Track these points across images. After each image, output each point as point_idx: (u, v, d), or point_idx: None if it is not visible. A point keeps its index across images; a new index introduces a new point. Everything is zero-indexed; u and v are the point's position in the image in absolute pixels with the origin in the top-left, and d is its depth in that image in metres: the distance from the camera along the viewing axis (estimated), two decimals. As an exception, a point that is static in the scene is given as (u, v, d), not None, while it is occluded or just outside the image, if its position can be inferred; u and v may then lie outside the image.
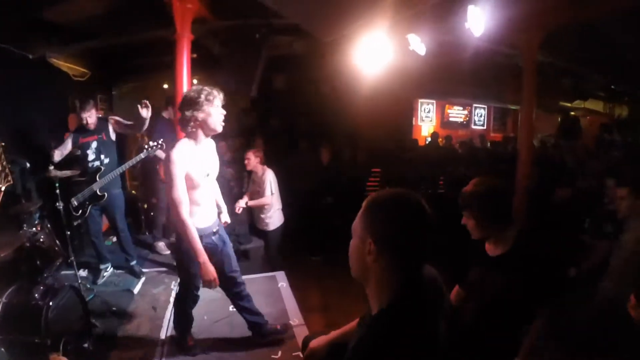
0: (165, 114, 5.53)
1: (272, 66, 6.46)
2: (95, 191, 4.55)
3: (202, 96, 2.84)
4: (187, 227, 2.85)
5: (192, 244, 2.87)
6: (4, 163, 2.08)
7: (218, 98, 2.92)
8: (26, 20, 4.88)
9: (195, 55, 6.20)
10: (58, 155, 4.63)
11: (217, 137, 3.15)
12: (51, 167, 4.23)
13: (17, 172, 4.55)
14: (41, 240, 3.75)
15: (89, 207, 4.62)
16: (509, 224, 2.20)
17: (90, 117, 4.58)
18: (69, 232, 4.22)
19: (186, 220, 2.85)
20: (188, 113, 2.87)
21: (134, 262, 5.04)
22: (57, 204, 4.21)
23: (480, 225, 2.20)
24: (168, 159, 2.84)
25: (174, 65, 4.50)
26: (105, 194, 4.63)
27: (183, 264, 3.19)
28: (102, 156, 4.67)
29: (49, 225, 4.01)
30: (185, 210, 2.86)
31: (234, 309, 3.75)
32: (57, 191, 4.20)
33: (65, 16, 5.08)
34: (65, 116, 6.17)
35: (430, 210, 1.30)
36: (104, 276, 4.89)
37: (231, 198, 5.20)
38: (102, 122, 4.72)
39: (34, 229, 3.77)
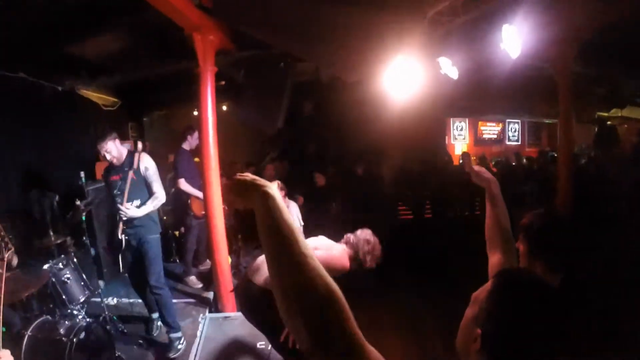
0: (185, 145, 5.52)
1: (298, 92, 6.43)
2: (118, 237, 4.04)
3: None
4: None
5: None
6: (2, 233, 2.07)
7: None
8: (54, 55, 5.00)
9: (222, 83, 6.24)
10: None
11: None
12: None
13: (46, 204, 4.61)
14: (67, 275, 3.75)
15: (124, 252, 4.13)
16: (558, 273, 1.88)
17: (109, 151, 3.91)
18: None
19: None
20: None
21: (175, 335, 4.18)
22: (84, 238, 4.21)
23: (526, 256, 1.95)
24: None
25: (198, 96, 4.48)
26: (132, 239, 4.05)
27: None
28: (127, 197, 3.95)
29: (74, 260, 4.01)
30: None
31: (262, 346, 3.63)
32: (84, 226, 4.20)
33: (91, 51, 5.21)
34: (95, 146, 6.27)
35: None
36: (158, 327, 4.50)
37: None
38: (130, 157, 4.02)
39: (60, 264, 3.77)
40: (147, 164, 4.03)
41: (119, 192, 3.94)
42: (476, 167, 2.04)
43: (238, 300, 3.19)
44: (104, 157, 4.00)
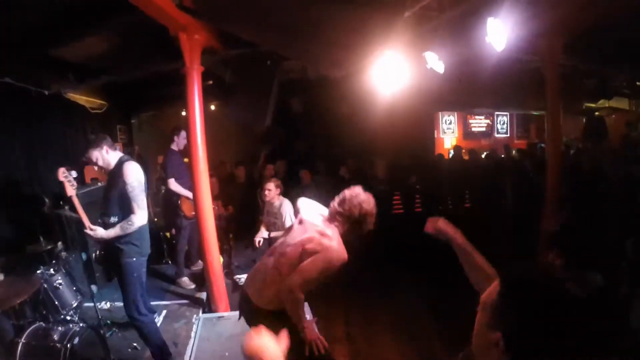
0: (173, 146, 5.50)
1: (287, 90, 6.42)
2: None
3: None
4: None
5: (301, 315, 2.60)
6: None
7: None
8: (39, 58, 4.95)
9: (210, 82, 6.22)
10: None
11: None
12: (67, 207, 4.16)
13: (35, 209, 4.58)
14: (59, 281, 3.72)
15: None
16: None
17: (95, 161, 3.56)
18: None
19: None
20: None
21: None
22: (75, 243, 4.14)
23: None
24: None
25: (185, 96, 4.45)
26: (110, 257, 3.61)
27: None
28: (106, 211, 3.54)
29: (66, 265, 3.98)
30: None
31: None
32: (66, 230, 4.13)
33: (76, 54, 5.17)
34: (83, 149, 6.23)
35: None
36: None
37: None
38: (118, 167, 3.55)
39: (52, 270, 3.75)
40: (128, 178, 3.44)
41: (103, 202, 3.60)
42: (436, 225, 1.97)
43: (244, 317, 3.02)
44: (95, 168, 3.79)
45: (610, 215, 4.95)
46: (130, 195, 3.42)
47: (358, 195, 2.77)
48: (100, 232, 3.44)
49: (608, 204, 5.27)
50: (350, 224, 2.73)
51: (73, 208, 3.58)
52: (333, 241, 2.64)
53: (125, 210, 3.47)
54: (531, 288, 1.10)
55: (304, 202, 3.06)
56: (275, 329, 2.65)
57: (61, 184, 3.47)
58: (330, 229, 2.72)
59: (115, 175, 3.52)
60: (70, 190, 3.48)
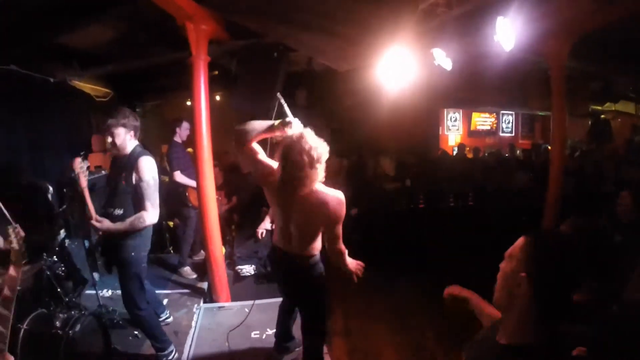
0: (176, 138, 5.51)
1: (292, 82, 6.40)
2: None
3: None
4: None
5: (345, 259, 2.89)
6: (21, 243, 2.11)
7: None
8: (45, 46, 4.94)
9: (216, 72, 6.21)
10: None
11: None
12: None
13: (39, 197, 4.58)
14: (62, 268, 3.74)
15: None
16: None
17: (115, 135, 3.37)
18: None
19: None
20: None
21: (164, 353, 3.66)
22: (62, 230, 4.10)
23: None
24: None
25: (191, 86, 4.45)
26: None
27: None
28: (112, 202, 3.45)
29: (69, 252, 3.99)
30: None
31: (256, 335, 3.68)
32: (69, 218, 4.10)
33: (82, 42, 5.15)
34: (88, 137, 6.23)
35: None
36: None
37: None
38: (132, 157, 3.41)
39: (54, 257, 3.76)
40: (144, 175, 3.32)
41: (109, 194, 3.51)
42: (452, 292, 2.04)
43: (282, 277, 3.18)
44: (107, 139, 3.43)
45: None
46: (144, 193, 3.31)
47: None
48: (106, 224, 3.35)
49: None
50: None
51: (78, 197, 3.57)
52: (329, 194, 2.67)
53: (136, 205, 3.36)
54: (550, 241, 1.39)
55: None
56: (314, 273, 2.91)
57: (76, 174, 3.41)
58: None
59: (125, 165, 3.39)
60: (84, 181, 3.43)
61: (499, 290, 1.43)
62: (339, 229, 2.74)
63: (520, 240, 1.41)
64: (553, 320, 1.34)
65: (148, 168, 3.35)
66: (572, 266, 1.32)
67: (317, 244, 2.89)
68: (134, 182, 3.33)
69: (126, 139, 3.41)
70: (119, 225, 3.34)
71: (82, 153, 3.53)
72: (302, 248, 2.85)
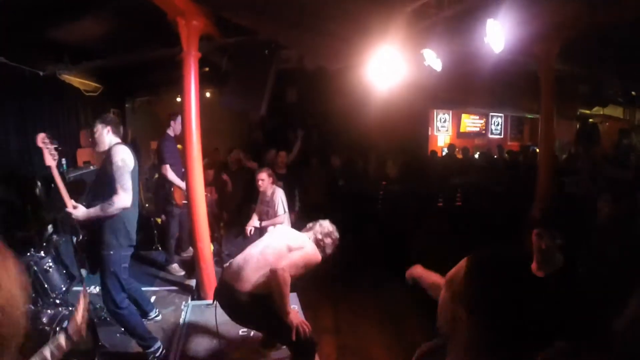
0: (169, 131, 5.49)
1: (283, 79, 6.40)
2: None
3: None
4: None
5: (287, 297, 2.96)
6: None
7: None
8: (35, 39, 4.90)
9: (207, 69, 6.19)
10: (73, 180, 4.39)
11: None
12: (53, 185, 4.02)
13: (27, 192, 4.54)
14: (49, 264, 3.71)
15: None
16: None
17: (97, 133, 3.53)
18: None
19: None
20: None
21: (151, 350, 3.69)
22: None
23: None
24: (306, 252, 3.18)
25: (181, 82, 4.43)
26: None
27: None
28: (96, 195, 3.49)
29: (56, 248, 3.95)
30: None
31: (244, 333, 3.68)
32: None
33: (72, 35, 5.11)
34: (76, 131, 6.18)
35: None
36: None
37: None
38: (109, 150, 3.48)
39: (42, 252, 3.73)
40: (113, 158, 3.37)
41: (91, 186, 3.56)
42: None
43: (226, 310, 3.18)
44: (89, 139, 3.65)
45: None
46: (114, 176, 3.33)
47: (329, 226, 3.40)
48: (80, 210, 3.36)
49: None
50: (316, 242, 3.30)
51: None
52: (312, 249, 3.23)
53: (110, 191, 3.35)
54: (493, 264, 1.29)
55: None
56: (257, 313, 2.95)
57: (40, 150, 3.32)
58: (309, 241, 3.29)
59: (105, 158, 3.46)
60: (50, 159, 3.33)
61: (441, 316, 1.35)
62: None
63: (460, 264, 1.33)
64: (501, 347, 1.22)
65: (118, 152, 3.40)
66: (512, 289, 1.24)
67: None
68: (107, 168, 3.39)
69: (103, 133, 3.51)
70: (90, 211, 3.35)
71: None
72: None
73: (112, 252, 3.42)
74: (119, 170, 3.34)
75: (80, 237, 3.51)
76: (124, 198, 3.34)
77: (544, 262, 2.24)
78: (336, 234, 3.39)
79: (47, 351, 1.69)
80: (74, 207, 3.36)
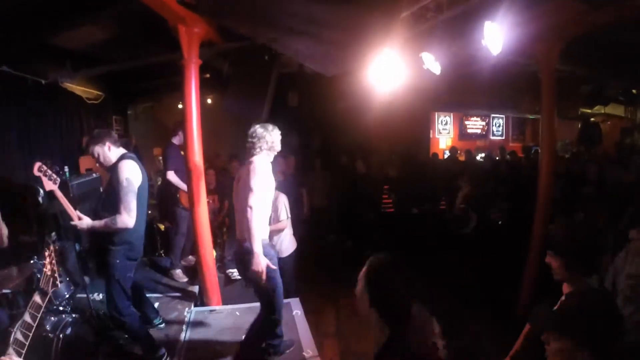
0: (175, 140, 5.50)
1: (284, 83, 6.41)
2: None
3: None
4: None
5: (256, 240, 3.13)
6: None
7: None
8: (36, 47, 4.93)
9: (208, 75, 6.21)
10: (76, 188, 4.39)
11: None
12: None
13: (29, 199, 4.56)
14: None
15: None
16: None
17: (95, 156, 3.51)
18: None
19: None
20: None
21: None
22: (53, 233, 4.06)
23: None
24: (255, 170, 3.25)
25: (182, 88, 4.45)
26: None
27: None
28: (104, 207, 3.50)
29: (60, 256, 3.95)
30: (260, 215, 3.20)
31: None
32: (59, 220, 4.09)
33: (74, 42, 5.14)
34: (79, 139, 6.21)
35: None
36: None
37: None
38: (116, 165, 3.45)
39: (45, 260, 3.73)
40: (120, 176, 3.35)
41: (102, 201, 3.58)
42: None
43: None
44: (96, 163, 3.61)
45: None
46: (119, 195, 3.31)
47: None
48: (86, 221, 3.38)
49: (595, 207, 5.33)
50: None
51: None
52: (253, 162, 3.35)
53: (116, 208, 3.33)
54: (381, 267, 1.71)
55: None
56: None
57: (56, 172, 3.33)
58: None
59: (112, 174, 3.43)
60: (49, 184, 3.31)
61: (358, 306, 1.70)
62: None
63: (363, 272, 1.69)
64: (394, 327, 1.63)
65: (123, 170, 3.37)
66: (396, 286, 1.63)
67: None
68: (114, 185, 3.38)
69: (104, 151, 3.47)
70: (96, 224, 3.38)
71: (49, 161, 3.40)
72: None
73: (118, 261, 3.41)
74: (123, 190, 3.33)
75: (86, 246, 3.53)
76: (127, 220, 3.33)
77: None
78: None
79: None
80: (79, 219, 3.37)
